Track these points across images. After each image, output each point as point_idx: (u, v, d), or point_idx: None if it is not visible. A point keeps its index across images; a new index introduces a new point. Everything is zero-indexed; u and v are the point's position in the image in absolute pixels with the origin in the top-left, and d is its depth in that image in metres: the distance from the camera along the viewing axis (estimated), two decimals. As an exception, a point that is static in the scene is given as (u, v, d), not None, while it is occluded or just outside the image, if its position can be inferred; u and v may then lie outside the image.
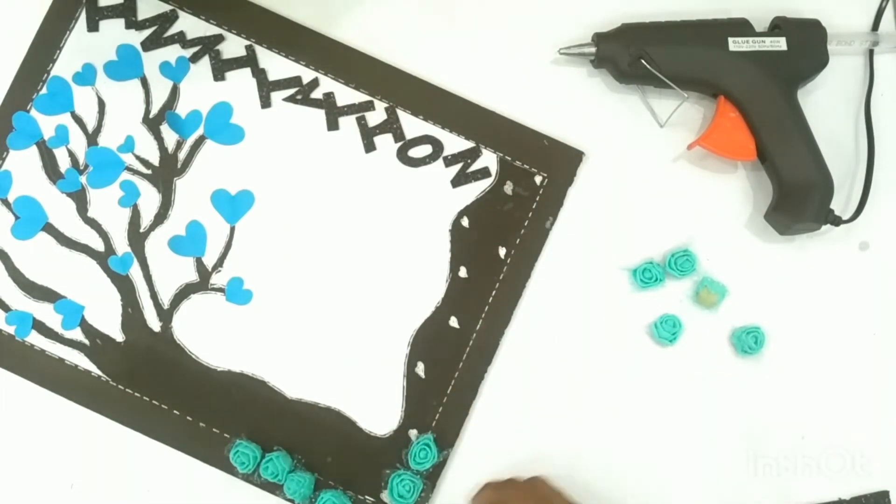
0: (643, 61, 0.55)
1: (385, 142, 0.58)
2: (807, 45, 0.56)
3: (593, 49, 0.56)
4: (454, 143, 0.58)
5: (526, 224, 0.57)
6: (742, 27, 0.56)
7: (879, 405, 0.56)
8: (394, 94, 0.58)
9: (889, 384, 0.56)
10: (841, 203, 0.57)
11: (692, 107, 0.58)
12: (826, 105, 0.58)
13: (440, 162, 0.57)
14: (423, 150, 0.58)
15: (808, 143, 0.55)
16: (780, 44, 0.55)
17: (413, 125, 0.58)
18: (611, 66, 0.56)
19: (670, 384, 0.56)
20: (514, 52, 0.58)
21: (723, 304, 0.56)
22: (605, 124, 0.58)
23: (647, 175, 0.58)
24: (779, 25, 0.56)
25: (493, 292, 0.56)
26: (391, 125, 0.58)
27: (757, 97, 0.55)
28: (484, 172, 0.57)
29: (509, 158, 0.57)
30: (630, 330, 0.56)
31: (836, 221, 0.55)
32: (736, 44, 0.55)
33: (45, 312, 0.56)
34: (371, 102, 0.58)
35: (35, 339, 0.56)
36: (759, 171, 0.57)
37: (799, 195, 0.54)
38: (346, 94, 0.58)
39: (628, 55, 0.55)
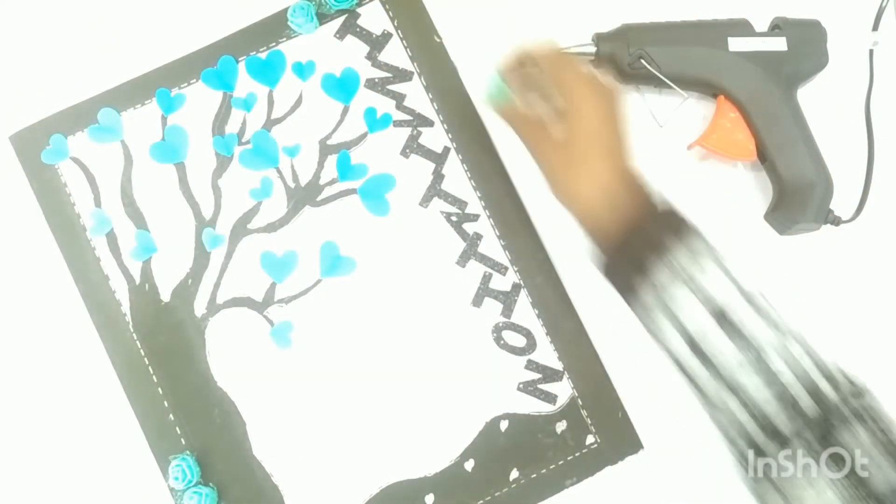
0: (643, 61, 0.55)
1: (492, 307, 0.56)
2: (807, 45, 0.56)
3: (593, 49, 0.56)
4: (545, 355, 0.56)
5: (551, 468, 0.54)
6: (742, 27, 0.56)
7: (879, 405, 0.56)
8: (528, 273, 0.56)
9: (889, 384, 0.56)
10: (841, 203, 0.57)
11: (692, 107, 0.58)
12: (826, 105, 0.58)
13: (522, 361, 0.55)
14: (517, 341, 0.56)
15: (808, 143, 0.55)
16: (780, 44, 0.55)
17: (525, 313, 0.56)
18: (611, 66, 0.56)
19: (670, 384, 0.56)
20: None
21: (723, 304, 0.56)
22: (605, 124, 0.58)
23: (646, 175, 0.58)
24: (779, 25, 0.56)
25: (480, 503, 0.54)
26: (507, 298, 0.56)
27: (757, 97, 0.55)
28: (550, 398, 0.55)
29: (580, 402, 0.55)
30: (629, 330, 0.56)
31: (836, 221, 0.55)
32: (736, 44, 0.55)
33: (125, 231, 0.56)
34: (505, 268, 0.56)
35: (100, 245, 0.56)
36: (759, 171, 0.57)
37: (799, 195, 0.54)
38: (492, 246, 0.56)
39: (628, 55, 0.55)
